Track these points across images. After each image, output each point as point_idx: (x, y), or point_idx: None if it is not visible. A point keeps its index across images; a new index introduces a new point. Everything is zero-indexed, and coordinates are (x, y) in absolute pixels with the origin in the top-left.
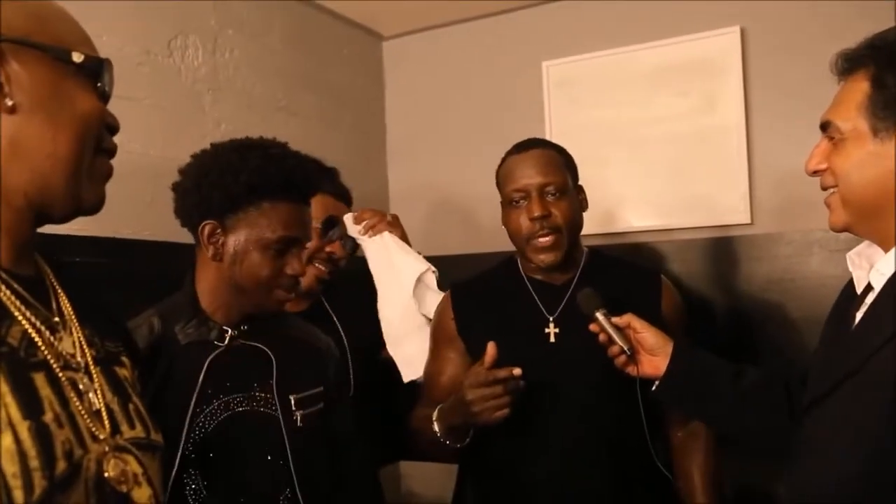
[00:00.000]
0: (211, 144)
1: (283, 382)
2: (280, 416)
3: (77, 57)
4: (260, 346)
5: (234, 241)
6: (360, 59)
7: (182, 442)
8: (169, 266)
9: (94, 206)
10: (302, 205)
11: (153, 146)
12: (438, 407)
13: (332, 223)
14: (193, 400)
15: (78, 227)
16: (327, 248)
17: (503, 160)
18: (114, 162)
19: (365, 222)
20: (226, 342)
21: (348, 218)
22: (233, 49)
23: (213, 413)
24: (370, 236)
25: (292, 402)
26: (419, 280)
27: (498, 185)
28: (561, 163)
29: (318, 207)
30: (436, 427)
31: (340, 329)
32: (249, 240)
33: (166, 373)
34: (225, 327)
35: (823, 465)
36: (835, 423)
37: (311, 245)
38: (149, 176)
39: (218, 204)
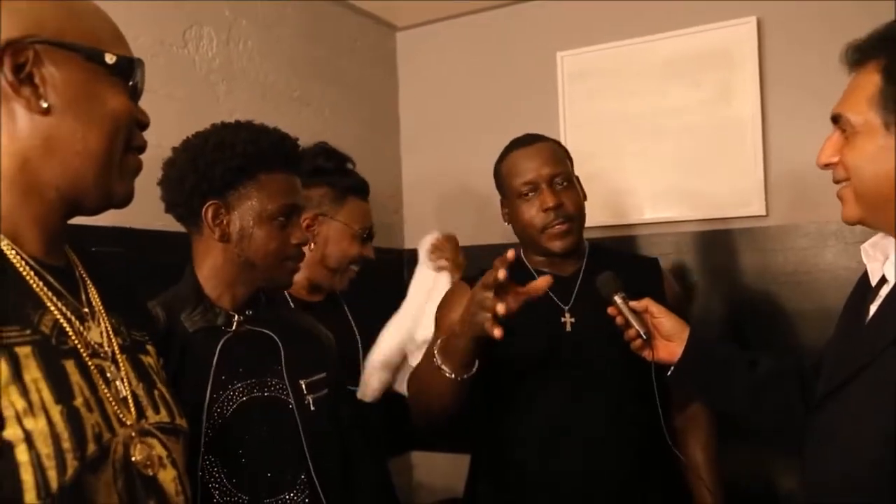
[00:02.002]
0: (193, 133)
1: (292, 367)
2: (292, 401)
3: (110, 58)
4: (266, 331)
5: (239, 217)
6: (374, 49)
7: (203, 428)
8: (182, 256)
9: (124, 200)
10: (293, 175)
11: (167, 137)
12: (440, 339)
13: (371, 232)
14: (209, 386)
15: (91, 217)
16: (364, 253)
17: (504, 157)
18: None
19: (436, 257)
20: (234, 327)
21: (427, 241)
22: (247, 40)
23: (228, 399)
24: (434, 270)
25: (303, 386)
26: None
27: (500, 181)
28: (563, 154)
29: (364, 214)
30: (437, 359)
31: (352, 321)
32: (253, 214)
33: (179, 361)
34: (231, 312)
35: (839, 456)
36: (850, 415)
37: (352, 251)
38: (160, 166)
39: (220, 180)
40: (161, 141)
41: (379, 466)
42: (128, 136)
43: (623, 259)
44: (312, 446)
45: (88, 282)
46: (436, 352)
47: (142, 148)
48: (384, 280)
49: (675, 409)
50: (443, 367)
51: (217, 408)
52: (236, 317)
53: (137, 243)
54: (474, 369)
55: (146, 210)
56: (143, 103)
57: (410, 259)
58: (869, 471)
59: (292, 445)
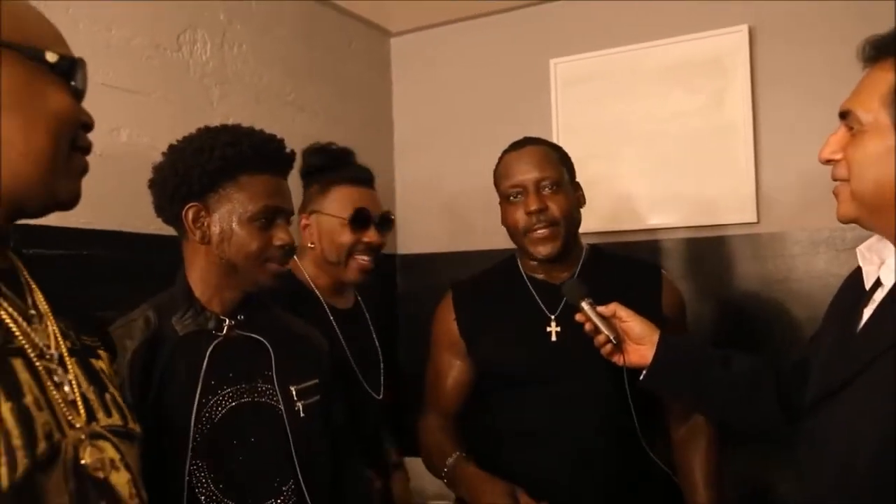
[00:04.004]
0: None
1: (283, 373)
2: (282, 407)
3: (51, 57)
4: (257, 336)
5: (219, 219)
6: (369, 54)
7: (191, 433)
8: (175, 259)
9: (69, 201)
10: (279, 177)
11: (161, 140)
12: (455, 463)
13: (364, 216)
14: (198, 390)
15: (86, 220)
16: (364, 239)
17: (499, 160)
18: (122, 156)
19: None
20: (224, 331)
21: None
22: (241, 43)
23: (217, 404)
24: None
25: (293, 392)
26: None
27: (495, 184)
28: (556, 158)
29: (353, 199)
30: (444, 476)
31: (373, 332)
32: (233, 216)
33: (168, 364)
34: (222, 317)
35: (833, 462)
36: (844, 420)
37: (343, 239)
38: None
39: (197, 182)
40: (156, 143)
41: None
42: (72, 136)
43: (622, 264)
44: (301, 453)
45: (33, 285)
46: (444, 473)
47: (87, 149)
48: (376, 285)
49: (676, 420)
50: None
51: (206, 412)
52: (227, 321)
53: (132, 247)
54: None
55: (141, 214)
56: (137, 106)
57: (403, 264)
58: (864, 477)
59: (281, 451)
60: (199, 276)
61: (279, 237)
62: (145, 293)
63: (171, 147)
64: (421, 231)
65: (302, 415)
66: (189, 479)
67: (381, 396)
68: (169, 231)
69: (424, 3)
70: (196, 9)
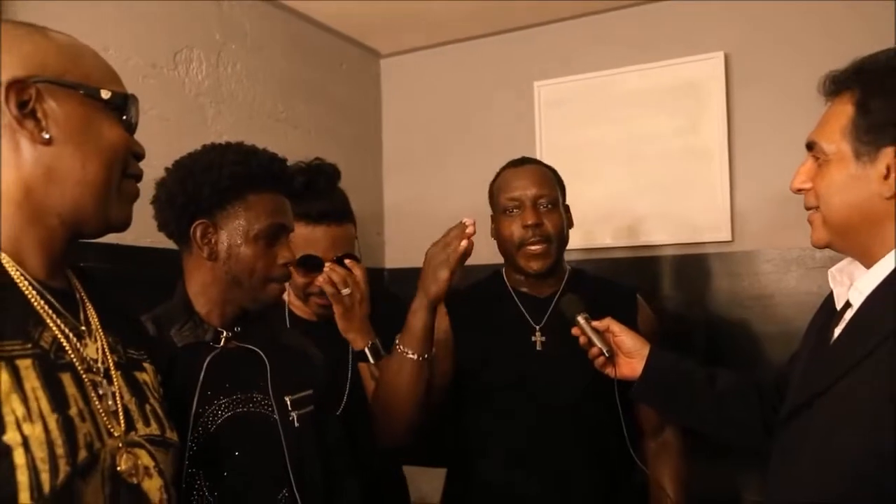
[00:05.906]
0: (186, 154)
1: (278, 384)
2: (277, 417)
3: (105, 94)
4: (253, 348)
5: (227, 237)
6: (359, 75)
7: (188, 442)
8: (169, 272)
9: (122, 223)
10: (283, 196)
11: (156, 157)
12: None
13: (312, 261)
14: (195, 401)
15: None
16: (317, 282)
17: (498, 174)
18: None
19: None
20: (221, 343)
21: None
22: (236, 63)
23: (213, 414)
24: None
25: (288, 403)
26: None
27: (491, 197)
28: (553, 179)
29: (297, 239)
30: (399, 347)
31: (350, 346)
32: (241, 233)
33: (167, 374)
34: (220, 329)
35: (803, 474)
36: (813, 434)
37: (297, 281)
38: (151, 185)
39: (207, 200)
40: (150, 160)
41: (366, 484)
42: (124, 165)
43: (600, 286)
44: (295, 462)
45: (87, 303)
46: (397, 341)
47: (138, 176)
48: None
49: (648, 435)
50: (406, 350)
51: (202, 422)
52: (224, 333)
53: (127, 260)
54: (433, 350)
55: (135, 227)
56: None
57: (392, 279)
58: (837, 487)
59: (275, 461)
60: (199, 289)
61: (283, 255)
62: (139, 306)
63: (176, 164)
64: (409, 246)
65: (296, 424)
66: (185, 487)
67: (337, 412)
68: (164, 244)
69: (413, 26)
70: (192, 29)
